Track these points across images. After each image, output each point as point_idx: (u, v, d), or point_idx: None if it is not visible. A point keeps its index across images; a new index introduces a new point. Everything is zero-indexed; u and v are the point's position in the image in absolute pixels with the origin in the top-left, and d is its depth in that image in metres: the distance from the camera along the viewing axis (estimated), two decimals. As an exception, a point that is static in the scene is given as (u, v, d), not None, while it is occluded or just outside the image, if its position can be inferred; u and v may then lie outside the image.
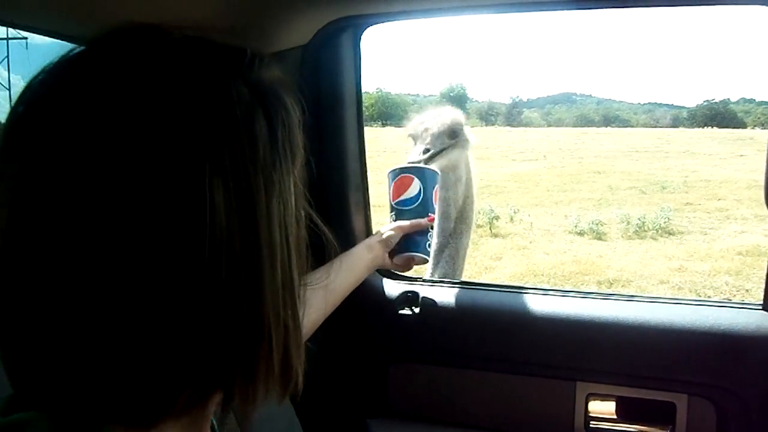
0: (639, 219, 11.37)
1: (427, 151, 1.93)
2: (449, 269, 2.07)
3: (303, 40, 1.61)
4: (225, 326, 0.59)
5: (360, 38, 1.69)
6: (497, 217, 11.38)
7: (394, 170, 1.61)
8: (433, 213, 1.60)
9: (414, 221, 1.57)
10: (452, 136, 2.01)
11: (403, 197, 1.59)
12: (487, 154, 20.08)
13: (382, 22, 1.63)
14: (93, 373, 0.57)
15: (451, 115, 2.04)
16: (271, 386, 0.66)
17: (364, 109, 1.77)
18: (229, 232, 0.57)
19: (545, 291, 1.71)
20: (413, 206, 1.58)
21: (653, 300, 1.62)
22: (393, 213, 1.61)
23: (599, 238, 11.03)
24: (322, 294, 1.39)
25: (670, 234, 11.10)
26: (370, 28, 1.67)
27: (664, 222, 11.31)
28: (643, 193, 14.46)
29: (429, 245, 1.60)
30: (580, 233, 11.27)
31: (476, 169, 2.25)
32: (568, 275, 8.77)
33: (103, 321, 0.56)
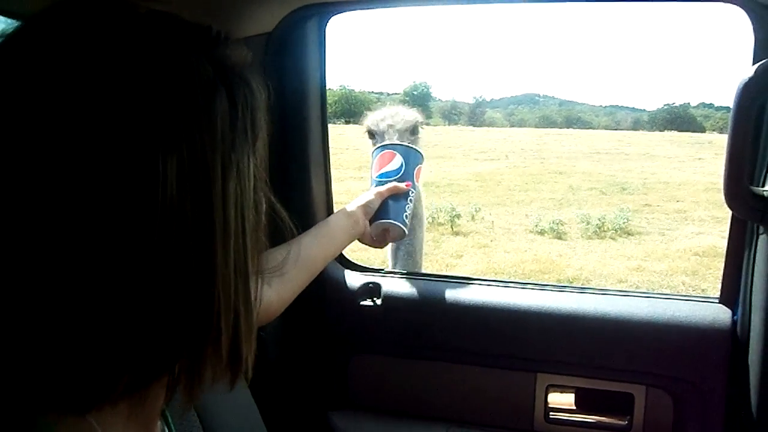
0: (599, 219, 11.50)
1: None
2: (409, 266, 2.07)
3: (268, 27, 1.59)
4: (172, 307, 0.57)
5: (325, 26, 1.68)
6: (458, 216, 11.43)
7: (378, 147, 1.62)
8: (414, 188, 1.59)
9: (392, 184, 1.54)
10: (413, 133, 2.02)
11: (384, 170, 1.58)
12: (450, 153, 20.19)
13: (348, 11, 1.63)
14: (25, 356, 0.55)
15: (412, 113, 2.01)
16: (219, 373, 0.64)
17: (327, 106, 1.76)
18: (181, 210, 0.55)
19: (506, 283, 1.72)
20: (393, 178, 1.56)
21: (612, 293, 1.64)
22: (373, 186, 1.58)
23: (559, 238, 11.15)
24: (298, 264, 1.34)
25: (629, 234, 11.25)
26: (336, 16, 1.66)
27: (623, 222, 11.47)
28: (603, 194, 14.65)
29: (407, 216, 1.56)
30: (541, 232, 11.38)
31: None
32: (529, 273, 8.85)
33: (42, 300, 0.53)
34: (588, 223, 11.48)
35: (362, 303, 1.71)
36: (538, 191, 15.10)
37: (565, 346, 1.59)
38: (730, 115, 1.25)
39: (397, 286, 1.73)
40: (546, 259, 9.66)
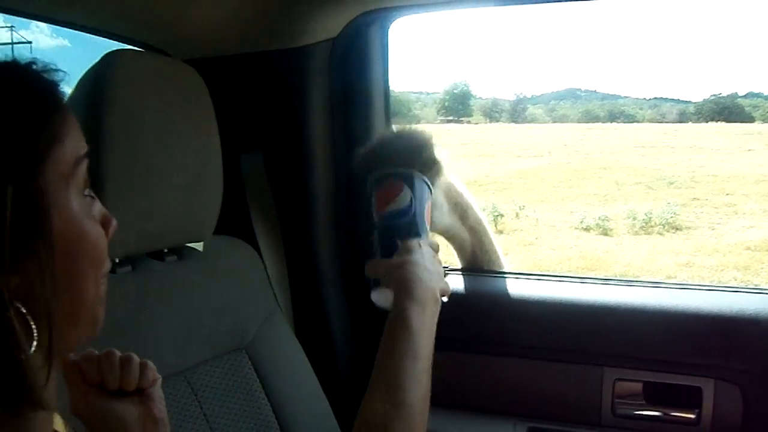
0: (645, 214, 11.38)
1: None
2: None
3: (332, 33, 1.64)
4: None
5: (388, 30, 1.72)
6: (501, 215, 11.39)
7: (376, 174, 1.25)
8: (425, 236, 1.21)
9: None
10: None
11: (389, 209, 1.20)
12: (492, 150, 20.10)
13: (410, 14, 1.67)
14: None
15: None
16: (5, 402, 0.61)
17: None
18: None
19: (572, 279, 1.73)
20: (403, 220, 1.19)
21: (680, 286, 1.65)
22: (376, 231, 1.22)
23: (605, 234, 11.07)
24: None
25: (677, 229, 11.12)
26: (398, 20, 1.70)
27: (671, 217, 11.33)
28: (650, 189, 14.46)
29: None
30: (587, 229, 11.31)
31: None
32: (575, 270, 8.81)
33: None
34: (635, 219, 11.37)
35: None
36: (583, 187, 14.96)
37: (631, 340, 1.60)
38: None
39: (464, 283, 1.76)
40: (592, 256, 9.61)
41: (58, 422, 0.74)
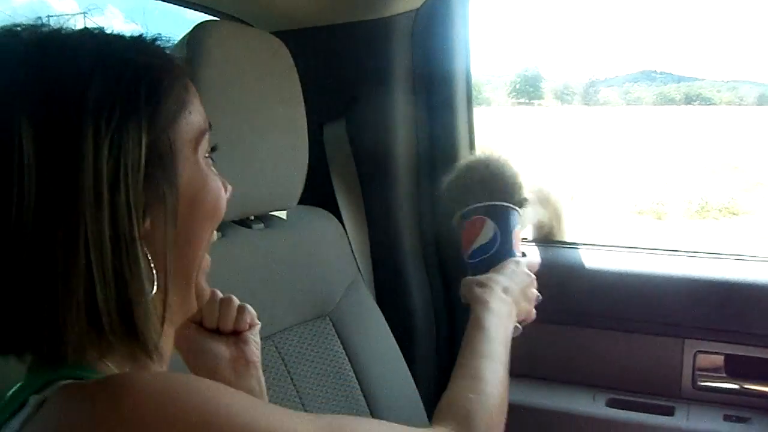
0: (701, 198, 11.15)
1: None
2: None
3: (415, 4, 1.65)
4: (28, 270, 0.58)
5: (468, 3, 1.71)
6: (555, 200, 11.22)
7: (461, 213, 1.31)
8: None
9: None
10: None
11: (474, 246, 1.26)
12: (561, 133, 19.79)
13: (493, -14, 1.67)
14: None
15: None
16: (117, 344, 0.62)
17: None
18: (41, 169, 0.57)
19: (653, 250, 1.72)
20: (488, 255, 1.25)
21: (763, 260, 1.63)
22: (468, 270, 1.29)
23: (658, 218, 10.86)
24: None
25: (733, 214, 10.85)
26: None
27: (729, 201, 11.08)
28: (714, 173, 14.12)
29: None
30: (640, 212, 11.11)
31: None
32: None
33: None
34: (690, 203, 11.15)
35: None
36: (645, 170, 14.68)
37: (714, 313, 1.59)
38: None
39: (544, 254, 1.75)
40: (639, 240, 9.43)
41: None
